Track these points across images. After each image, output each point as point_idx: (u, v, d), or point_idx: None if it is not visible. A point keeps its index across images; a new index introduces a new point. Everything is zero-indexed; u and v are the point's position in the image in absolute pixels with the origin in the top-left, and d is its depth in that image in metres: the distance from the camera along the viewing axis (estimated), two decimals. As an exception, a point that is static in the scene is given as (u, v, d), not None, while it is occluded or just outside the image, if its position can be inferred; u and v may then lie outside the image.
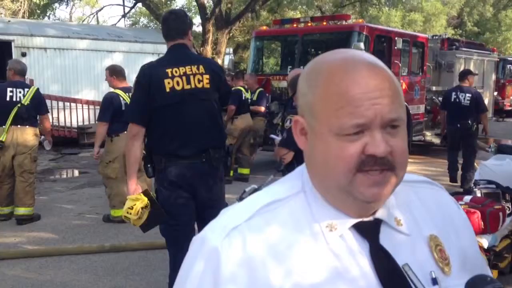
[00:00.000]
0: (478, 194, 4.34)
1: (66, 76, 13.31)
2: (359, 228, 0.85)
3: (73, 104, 12.49)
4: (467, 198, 4.07)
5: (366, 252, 0.83)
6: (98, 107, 6.49)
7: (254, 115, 8.10)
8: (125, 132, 5.41)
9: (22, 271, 4.35)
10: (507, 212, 4.16)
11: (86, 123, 12.44)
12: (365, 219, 0.85)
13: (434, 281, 0.85)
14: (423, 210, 0.92)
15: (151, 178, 3.23)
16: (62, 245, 4.99)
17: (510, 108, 18.38)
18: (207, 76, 3.05)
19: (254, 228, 0.85)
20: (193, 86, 3.01)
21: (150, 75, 3.01)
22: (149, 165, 3.09)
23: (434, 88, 10.88)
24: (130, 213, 3.01)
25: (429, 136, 10.67)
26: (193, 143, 3.01)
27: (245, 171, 7.93)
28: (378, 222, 0.86)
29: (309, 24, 9.95)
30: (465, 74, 7.85)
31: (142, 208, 3.02)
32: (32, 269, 4.38)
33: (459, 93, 7.59)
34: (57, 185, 8.15)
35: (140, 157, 3.13)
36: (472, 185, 4.63)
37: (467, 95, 7.52)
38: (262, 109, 8.26)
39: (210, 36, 17.06)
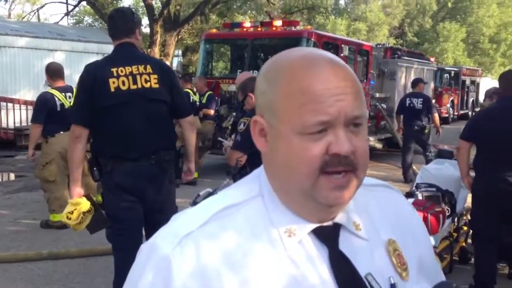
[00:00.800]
0: (420, 197, 4.49)
1: (3, 75, 12.63)
2: (318, 233, 0.81)
3: (10, 104, 11.91)
4: (410, 201, 4.18)
5: (325, 258, 0.80)
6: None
7: (203, 118, 8.01)
8: (61, 132, 5.33)
9: (-51, 281, 4.04)
10: (447, 214, 4.32)
11: (24, 124, 11.84)
12: (324, 224, 0.82)
13: (393, 286, 0.83)
14: (381, 214, 0.90)
15: (97, 181, 3.10)
16: (-5, 253, 4.69)
17: (446, 115, 19.27)
18: (155, 76, 2.95)
19: (209, 235, 0.79)
20: (139, 86, 2.90)
21: (94, 74, 2.89)
22: (95, 168, 2.96)
23: (377, 95, 11.23)
24: (70, 218, 2.87)
25: (373, 141, 11.00)
26: (140, 145, 2.89)
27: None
28: (337, 227, 0.83)
29: (259, 29, 9.99)
30: (417, 81, 8.99)
31: (83, 212, 2.89)
32: (-39, 280, 4.09)
33: (412, 99, 8.65)
34: (-9, 189, 7.69)
35: (83, 160, 3.00)
36: (414, 188, 4.79)
37: (420, 99, 8.56)
38: (212, 112, 8.19)
39: (158, 38, 16.78)
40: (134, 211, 2.94)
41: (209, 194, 1.09)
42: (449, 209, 4.56)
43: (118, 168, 2.88)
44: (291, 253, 0.79)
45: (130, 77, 2.88)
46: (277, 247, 0.79)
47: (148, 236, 2.91)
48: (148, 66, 2.95)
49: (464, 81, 20.83)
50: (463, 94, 21.29)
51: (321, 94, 0.76)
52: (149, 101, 2.93)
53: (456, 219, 4.69)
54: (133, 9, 3.37)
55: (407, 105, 8.62)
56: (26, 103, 12.03)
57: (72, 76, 10.05)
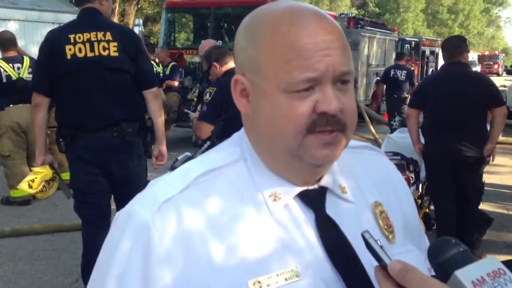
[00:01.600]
0: (385, 165, 4.57)
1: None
2: (304, 197, 0.79)
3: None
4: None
5: (311, 222, 0.78)
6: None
7: (167, 90, 7.84)
8: (11, 106, 5.17)
9: None
10: (411, 181, 4.42)
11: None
12: (310, 187, 0.80)
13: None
14: (366, 176, 0.88)
15: (63, 153, 2.98)
16: (-47, 232, 4.50)
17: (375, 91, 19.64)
18: (115, 44, 2.80)
19: (190, 200, 0.75)
20: (96, 53, 2.77)
21: (52, 41, 2.78)
22: (60, 139, 2.86)
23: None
24: (32, 186, 2.78)
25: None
26: (100, 115, 2.79)
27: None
28: (323, 190, 0.81)
29: (222, -3, 9.78)
30: (402, 55, 10.37)
31: (47, 181, 2.83)
32: None
33: (397, 70, 9.40)
34: None
35: (46, 128, 2.92)
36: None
37: (404, 71, 9.37)
38: (176, 83, 8.03)
39: (117, 7, 16.22)
40: (97, 183, 2.86)
41: (188, 159, 1.03)
42: (413, 176, 4.67)
43: (79, 139, 2.80)
44: (277, 217, 0.76)
45: (87, 44, 2.76)
46: (262, 211, 0.76)
47: (118, 209, 2.84)
48: (108, 33, 2.81)
49: (424, 52, 21.20)
50: (423, 64, 21.68)
51: (308, 49, 0.72)
52: (108, 70, 2.79)
53: (420, 186, 4.81)
54: None
55: (391, 75, 9.35)
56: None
57: (27, 47, 9.61)
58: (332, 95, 0.73)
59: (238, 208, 0.76)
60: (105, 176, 2.87)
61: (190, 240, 0.73)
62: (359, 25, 12.21)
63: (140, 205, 0.77)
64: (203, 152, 0.87)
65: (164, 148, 3.11)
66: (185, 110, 4.81)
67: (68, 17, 14.87)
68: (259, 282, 0.71)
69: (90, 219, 2.87)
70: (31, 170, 5.34)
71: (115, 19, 16.13)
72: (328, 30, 0.74)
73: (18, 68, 5.20)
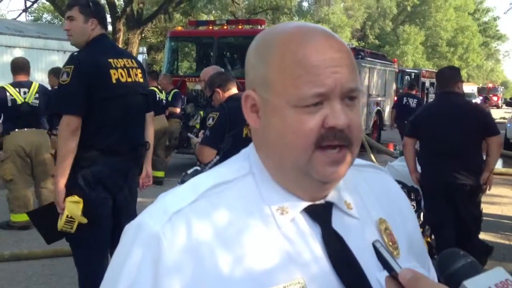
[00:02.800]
0: (389, 193, 4.58)
1: (-43, 71, 12.08)
2: (310, 211, 0.81)
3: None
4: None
5: (318, 236, 0.79)
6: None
7: (169, 116, 7.90)
8: (16, 130, 5.20)
9: None
10: (413, 209, 4.42)
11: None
12: (317, 202, 0.81)
13: None
14: (371, 194, 0.90)
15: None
16: (-49, 255, 4.47)
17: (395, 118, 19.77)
18: (140, 71, 2.97)
19: (200, 212, 0.77)
20: (132, 79, 2.89)
21: (94, 64, 2.74)
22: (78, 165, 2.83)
23: (341, 95, 11.41)
24: (72, 225, 2.66)
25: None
26: (129, 138, 2.87)
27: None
28: (329, 206, 0.83)
29: (225, 27, 9.96)
30: (413, 85, 11.64)
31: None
32: None
33: (409, 98, 10.61)
34: None
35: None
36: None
37: (415, 100, 10.60)
38: (178, 110, 8.09)
39: (121, 36, 16.46)
40: (107, 207, 2.86)
41: (197, 172, 1.05)
42: (414, 205, 4.66)
43: (99, 162, 2.77)
44: (284, 230, 0.78)
45: (125, 70, 2.86)
46: (270, 224, 0.78)
47: (114, 236, 2.81)
48: (133, 61, 2.96)
49: (424, 83, 21.42)
50: (422, 95, 21.84)
51: (317, 66, 0.75)
52: (138, 95, 2.93)
53: (421, 214, 4.79)
54: None
55: (403, 102, 10.55)
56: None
57: (32, 74, 9.70)
58: (341, 110, 0.75)
59: (246, 221, 0.77)
60: (112, 200, 2.88)
61: (199, 250, 0.74)
62: (360, 56, 12.36)
63: (151, 216, 0.78)
64: (212, 166, 0.89)
65: (150, 169, 3.20)
66: (188, 134, 4.83)
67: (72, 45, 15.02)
68: None
69: (93, 245, 2.81)
70: (40, 191, 5.35)
71: (119, 48, 16.37)
72: (336, 48, 0.77)
73: (25, 93, 5.26)
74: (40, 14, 32.05)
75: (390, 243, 0.86)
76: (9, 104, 5.16)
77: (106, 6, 16.03)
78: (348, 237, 0.80)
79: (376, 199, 0.90)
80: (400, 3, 38.23)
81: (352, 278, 0.77)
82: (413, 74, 20.71)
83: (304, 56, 0.75)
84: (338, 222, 0.81)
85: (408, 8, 38.37)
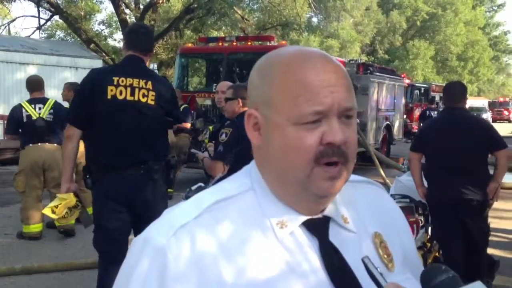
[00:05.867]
0: (395, 208, 4.58)
1: (-27, 88, 12.31)
2: (309, 225, 0.85)
3: (-20, 118, 11.58)
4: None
5: (315, 248, 0.83)
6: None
7: (179, 131, 7.98)
8: (30, 145, 5.37)
9: None
10: (420, 224, 4.41)
11: (-5, 138, 11.54)
12: (315, 216, 0.86)
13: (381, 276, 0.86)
14: (367, 208, 0.94)
15: (90, 189, 3.09)
16: (-35, 269, 4.54)
17: (417, 130, 19.72)
18: (153, 93, 3.02)
19: (204, 226, 0.82)
20: (136, 98, 2.96)
21: (92, 80, 2.98)
22: (87, 176, 2.99)
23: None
24: (55, 212, 2.90)
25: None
26: (129, 155, 2.93)
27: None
28: (327, 220, 0.87)
29: (234, 44, 10.08)
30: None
31: (69, 207, 2.93)
32: None
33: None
34: (-41, 204, 7.44)
35: (75, 159, 3.08)
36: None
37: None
38: (188, 125, 8.17)
39: (132, 52, 16.66)
40: (120, 220, 2.95)
41: (201, 189, 1.11)
42: (422, 219, 4.64)
43: (106, 176, 2.91)
44: (283, 243, 0.82)
45: (128, 89, 2.95)
46: (269, 237, 0.82)
47: None
48: (149, 83, 3.01)
49: (433, 97, 21.40)
50: (432, 109, 21.84)
51: (316, 85, 0.80)
52: (143, 115, 2.98)
53: (429, 229, 4.78)
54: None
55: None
56: (-2, 117, 11.76)
57: (46, 90, 9.86)
58: (338, 127, 0.81)
59: (248, 232, 0.82)
60: (128, 213, 2.97)
61: (203, 262, 0.79)
62: (369, 71, 12.38)
63: (157, 230, 0.83)
64: (215, 183, 0.94)
65: None
66: (192, 150, 4.85)
67: (84, 62, 15.31)
68: None
69: (110, 255, 2.92)
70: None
71: (131, 64, 16.55)
72: (334, 70, 0.83)
73: (40, 108, 5.42)
74: (54, 31, 32.60)
75: (385, 256, 0.90)
76: (24, 120, 5.34)
77: (119, 23, 16.29)
78: (344, 250, 0.85)
79: (371, 214, 0.94)
80: (409, 18, 38.34)
81: (347, 287, 0.81)
82: (422, 88, 20.69)
83: (304, 77, 0.81)
84: (335, 236, 0.86)
85: (418, 23, 38.45)
